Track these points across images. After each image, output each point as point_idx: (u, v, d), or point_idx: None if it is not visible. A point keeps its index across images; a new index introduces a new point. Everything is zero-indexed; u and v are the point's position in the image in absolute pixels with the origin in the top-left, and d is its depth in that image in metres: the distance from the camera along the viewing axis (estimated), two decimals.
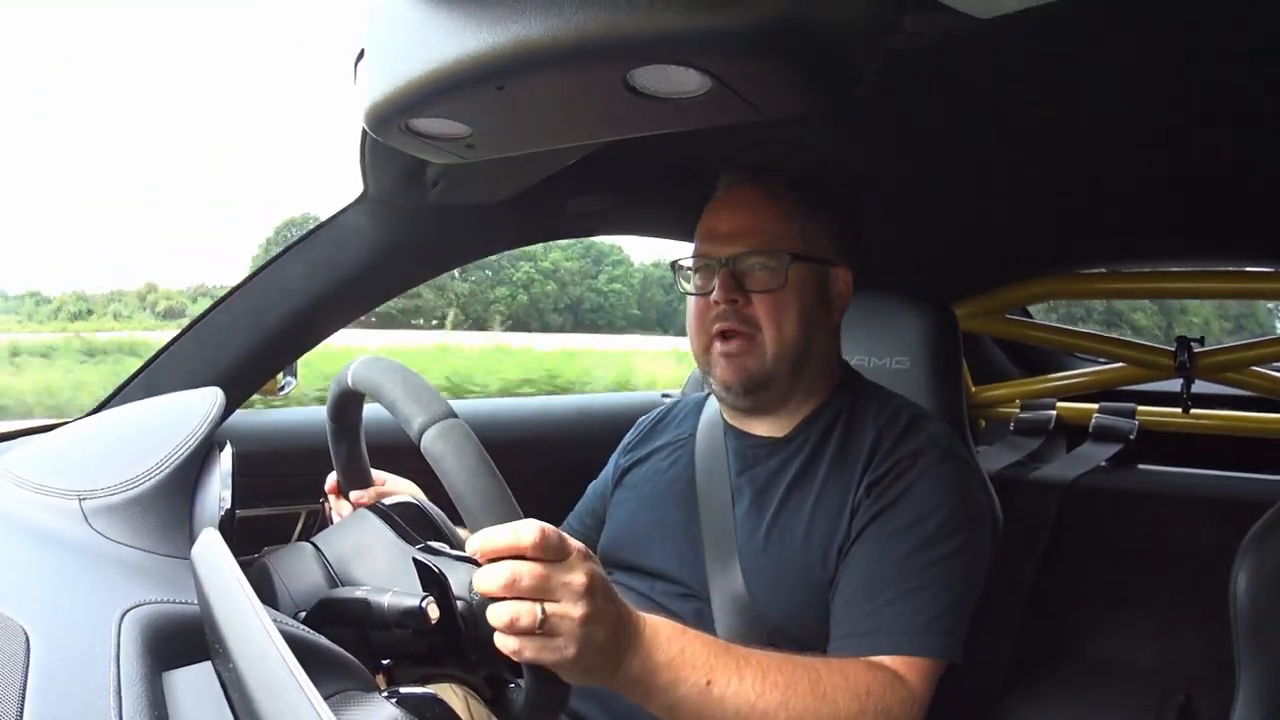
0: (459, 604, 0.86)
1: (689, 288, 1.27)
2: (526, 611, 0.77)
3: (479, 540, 0.77)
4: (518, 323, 13.50)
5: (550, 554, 0.79)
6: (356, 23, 0.79)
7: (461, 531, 1.04)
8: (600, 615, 0.81)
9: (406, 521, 1.03)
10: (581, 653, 0.79)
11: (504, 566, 0.77)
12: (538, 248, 12.82)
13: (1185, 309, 4.13)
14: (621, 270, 13.86)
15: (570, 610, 0.78)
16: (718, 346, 1.21)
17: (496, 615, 0.78)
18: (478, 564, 0.79)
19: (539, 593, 0.78)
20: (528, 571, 0.77)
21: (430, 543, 1.00)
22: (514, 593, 0.77)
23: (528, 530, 0.77)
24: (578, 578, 0.79)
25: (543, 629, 0.77)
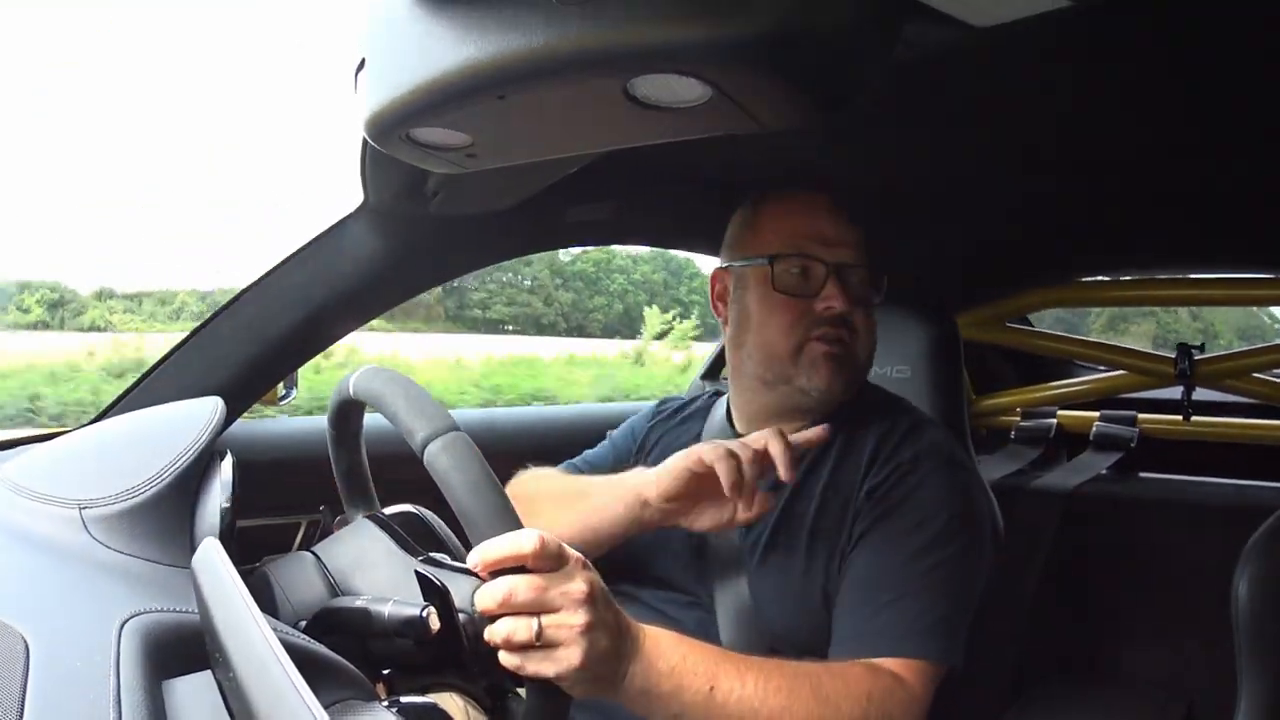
0: (461, 616, 0.86)
1: (788, 286, 1.21)
2: (523, 626, 0.77)
3: (479, 552, 0.77)
4: (610, 330, 14.70)
5: (549, 562, 0.79)
6: (357, 32, 0.79)
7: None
8: (601, 623, 0.81)
9: (407, 531, 1.03)
10: (585, 661, 0.79)
11: (500, 583, 0.77)
12: (628, 261, 14.78)
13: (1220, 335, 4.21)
14: (699, 282, 14.77)
15: (570, 619, 0.78)
16: (819, 347, 1.20)
17: (494, 633, 0.78)
18: (479, 576, 0.79)
19: (537, 605, 0.78)
20: (524, 585, 0.77)
21: (432, 554, 1.00)
22: (511, 608, 0.77)
23: (527, 539, 0.77)
24: (577, 586, 0.79)
25: (541, 641, 0.78)
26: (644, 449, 1.42)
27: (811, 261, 1.20)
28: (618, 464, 1.42)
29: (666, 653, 0.88)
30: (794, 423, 1.26)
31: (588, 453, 1.49)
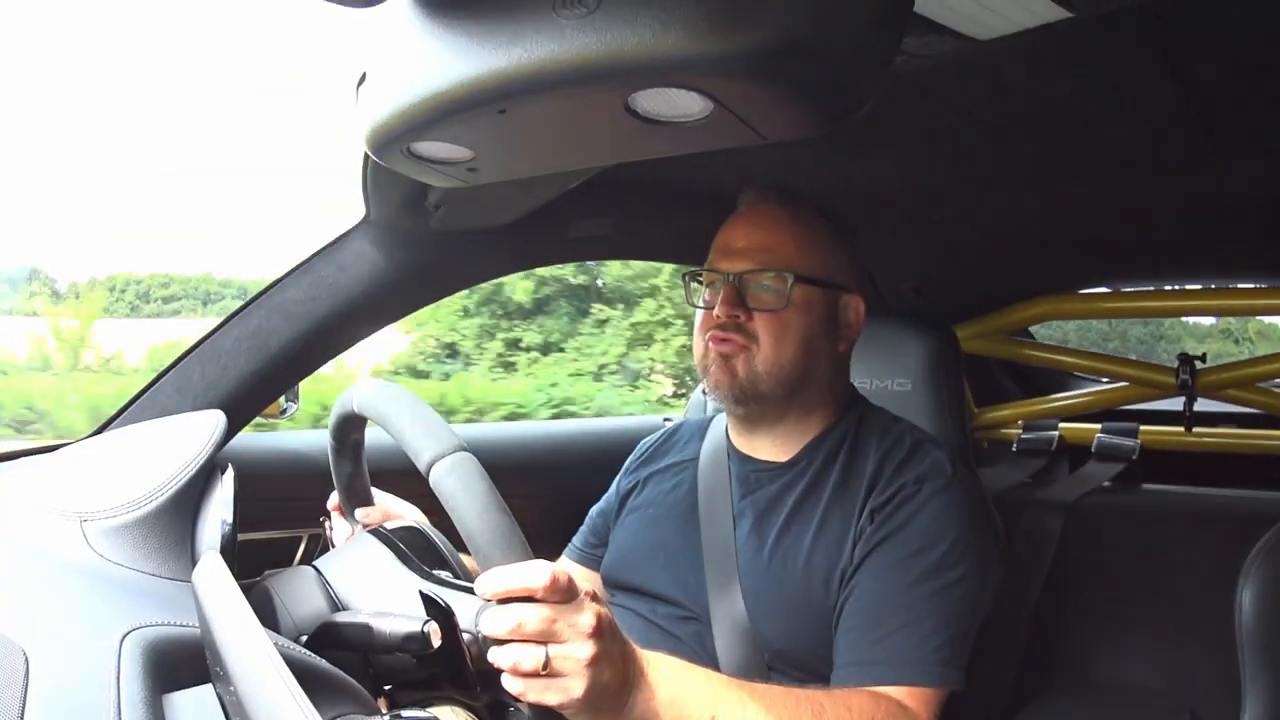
0: (465, 635, 0.86)
1: (697, 300, 1.27)
2: (530, 654, 0.77)
3: (489, 582, 0.78)
4: None
5: (559, 597, 0.79)
6: (358, 46, 0.80)
7: (465, 558, 1.04)
8: (607, 656, 0.81)
9: (409, 547, 1.03)
10: (589, 693, 0.79)
11: (510, 611, 0.77)
12: None
13: None
14: None
15: (577, 652, 0.78)
16: (713, 348, 1.20)
17: (501, 658, 0.78)
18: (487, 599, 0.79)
19: (545, 636, 0.78)
20: (534, 616, 0.77)
21: (436, 572, 1.00)
22: (520, 636, 0.78)
23: (538, 573, 0.77)
24: (586, 619, 0.79)
25: (547, 670, 0.78)
26: (629, 493, 1.41)
27: (714, 274, 1.23)
28: (610, 514, 1.43)
29: (669, 681, 0.88)
30: (752, 432, 1.27)
31: (576, 539, 1.49)
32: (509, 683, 0.78)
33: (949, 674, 1.04)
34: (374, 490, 1.17)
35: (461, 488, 0.78)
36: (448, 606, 0.86)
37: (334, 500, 1.16)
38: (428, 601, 0.87)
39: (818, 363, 1.22)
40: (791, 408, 1.23)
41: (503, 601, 0.78)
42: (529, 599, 0.78)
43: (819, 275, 1.20)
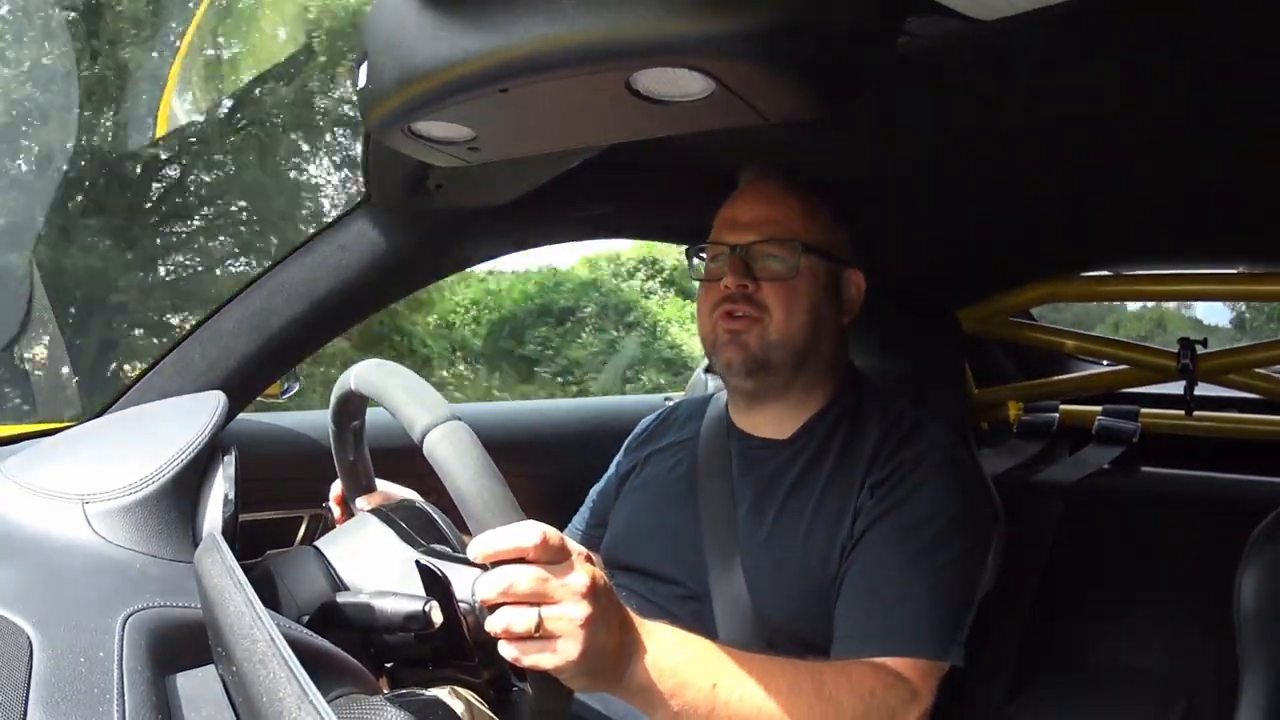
0: (462, 607, 0.86)
1: (701, 274, 1.28)
2: (522, 617, 0.76)
3: (480, 544, 0.77)
4: None
5: (551, 556, 0.78)
6: (359, 26, 0.79)
7: (467, 538, 1.04)
8: (602, 618, 0.80)
9: (409, 525, 1.03)
10: (584, 656, 0.78)
11: (501, 573, 0.76)
12: None
13: None
14: None
15: (571, 612, 0.78)
16: (723, 325, 1.21)
17: (493, 622, 0.77)
18: (482, 567, 0.79)
19: (537, 596, 0.77)
20: (525, 576, 0.76)
21: (436, 546, 1.00)
22: (511, 598, 0.77)
23: (529, 533, 0.76)
24: (579, 580, 0.79)
25: (540, 632, 0.77)
26: (628, 473, 1.42)
27: (719, 246, 1.24)
28: (610, 495, 1.43)
29: (669, 649, 0.88)
30: (754, 409, 1.28)
31: (575, 519, 1.49)
32: (504, 648, 0.78)
33: (948, 648, 1.05)
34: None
35: (454, 454, 0.78)
36: (444, 577, 0.86)
37: (336, 490, 1.16)
38: (424, 571, 0.87)
39: (824, 335, 1.23)
40: (798, 380, 1.23)
41: (495, 564, 0.77)
42: (521, 560, 0.77)
43: (823, 247, 1.21)
